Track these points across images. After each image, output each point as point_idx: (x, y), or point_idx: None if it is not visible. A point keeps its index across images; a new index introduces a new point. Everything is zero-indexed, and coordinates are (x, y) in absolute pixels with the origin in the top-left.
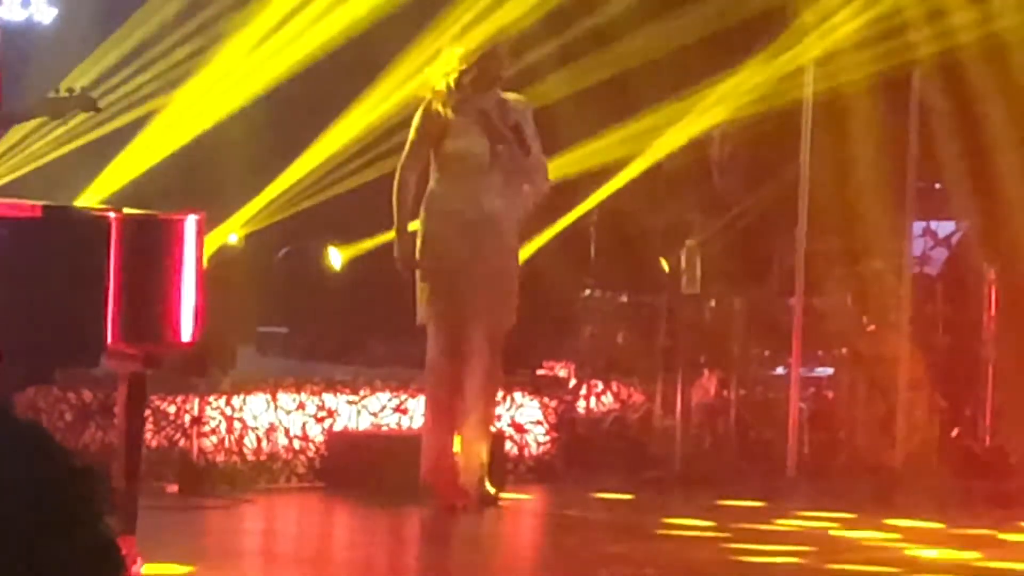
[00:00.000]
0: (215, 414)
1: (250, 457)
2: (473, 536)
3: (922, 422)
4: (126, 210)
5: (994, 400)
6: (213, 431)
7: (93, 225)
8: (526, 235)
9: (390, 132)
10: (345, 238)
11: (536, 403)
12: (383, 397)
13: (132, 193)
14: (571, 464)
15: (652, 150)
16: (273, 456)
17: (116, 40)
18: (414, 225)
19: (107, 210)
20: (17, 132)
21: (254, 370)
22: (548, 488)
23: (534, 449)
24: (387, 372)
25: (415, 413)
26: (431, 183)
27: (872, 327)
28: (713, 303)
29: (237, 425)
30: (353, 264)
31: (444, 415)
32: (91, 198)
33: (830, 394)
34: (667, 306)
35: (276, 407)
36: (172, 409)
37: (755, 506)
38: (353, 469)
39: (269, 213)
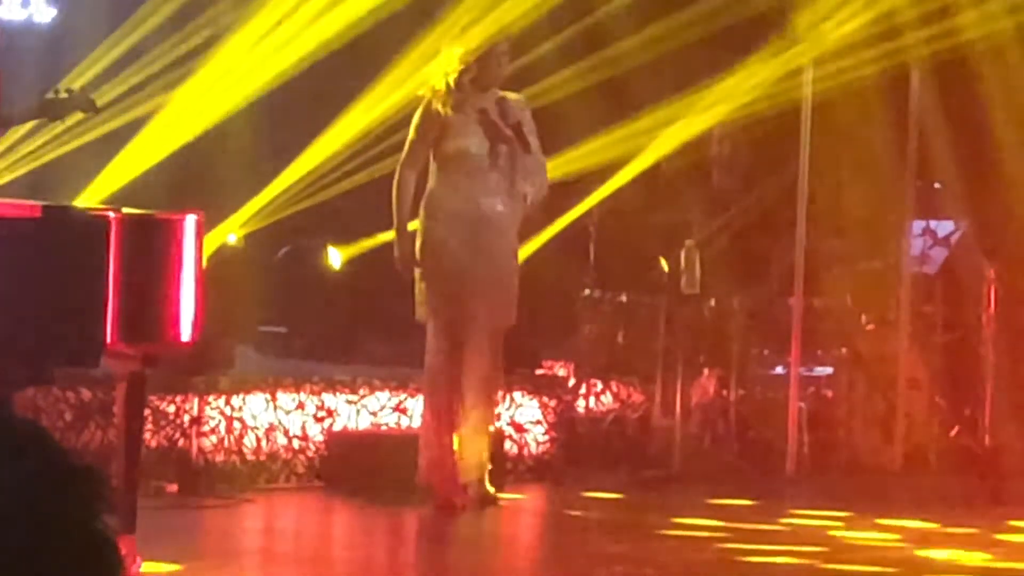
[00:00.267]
0: (214, 414)
1: (249, 457)
2: (472, 535)
3: (921, 421)
4: (125, 210)
5: (993, 399)
6: (213, 431)
7: (92, 225)
8: (525, 235)
9: (389, 132)
10: (344, 238)
11: (535, 402)
12: (382, 397)
13: (131, 193)
14: (570, 463)
15: (651, 150)
16: (272, 456)
17: (115, 40)
18: (413, 225)
19: (106, 210)
20: (16, 132)
21: (253, 370)
22: (547, 487)
23: (533, 448)
24: (386, 372)
25: (414, 413)
26: (431, 182)
27: (871, 326)
28: (712, 303)
29: (236, 425)
30: (352, 264)
31: (443, 415)
32: (90, 198)
33: (829, 393)
34: (666, 306)
35: (275, 407)
36: (171, 409)
37: (754, 505)
38: (352, 469)
39: (268, 213)
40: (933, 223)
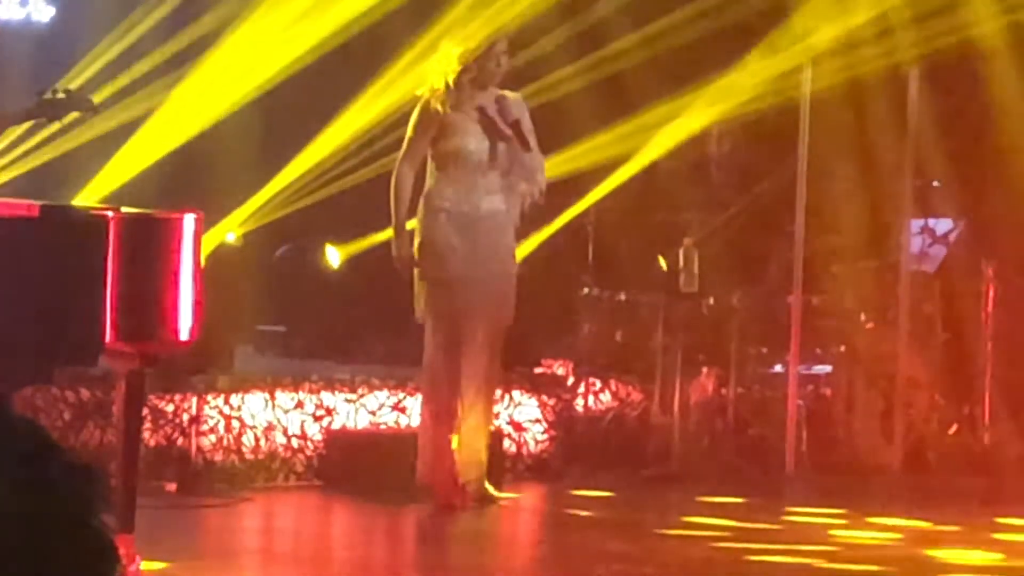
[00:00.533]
0: (213, 413)
1: (248, 456)
2: (471, 534)
3: (920, 419)
4: (124, 209)
5: (992, 397)
6: (211, 430)
7: (91, 224)
8: (522, 233)
9: (388, 130)
10: (343, 236)
11: (534, 401)
12: (381, 395)
13: (130, 192)
14: (569, 462)
15: (649, 148)
16: (271, 455)
17: (114, 39)
18: (412, 223)
19: (105, 209)
20: (14, 132)
21: (252, 369)
22: (546, 486)
23: (532, 447)
24: (385, 370)
25: (413, 412)
26: (429, 181)
27: (870, 325)
28: (711, 301)
29: (235, 424)
30: (351, 262)
31: (442, 414)
32: (89, 197)
33: (828, 392)
34: (665, 304)
35: (274, 406)
36: (170, 408)
37: (753, 504)
38: (351, 468)
39: (267, 211)
40: (932, 221)
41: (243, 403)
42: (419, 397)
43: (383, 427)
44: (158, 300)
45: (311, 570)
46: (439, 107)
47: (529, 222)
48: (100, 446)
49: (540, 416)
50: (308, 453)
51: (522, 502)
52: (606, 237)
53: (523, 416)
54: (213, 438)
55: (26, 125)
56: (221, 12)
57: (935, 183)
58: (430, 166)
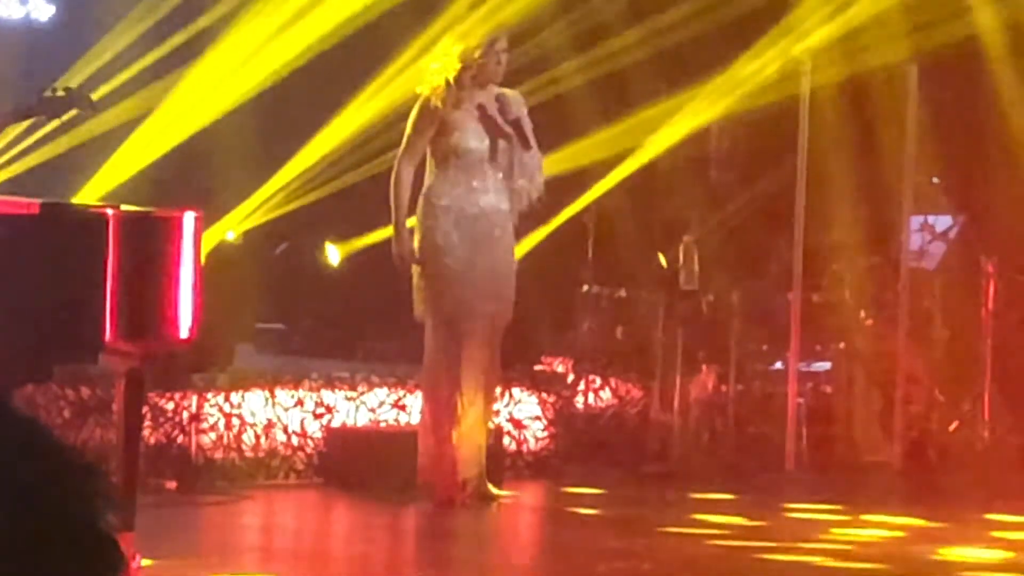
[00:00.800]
0: (213, 411)
1: (248, 453)
2: (471, 532)
3: (920, 416)
4: (124, 207)
5: (992, 394)
6: (212, 428)
7: (91, 222)
8: (522, 230)
9: (387, 128)
10: (343, 234)
11: (534, 399)
12: (381, 393)
13: (130, 190)
14: (569, 460)
15: (649, 145)
16: (271, 452)
17: (113, 37)
18: (411, 221)
19: (105, 207)
20: (14, 130)
21: (252, 367)
22: (546, 483)
23: (532, 445)
24: (385, 368)
25: (413, 409)
26: (429, 179)
27: (870, 322)
28: (711, 298)
29: (235, 422)
30: (351, 260)
31: (442, 411)
32: (89, 195)
33: (828, 389)
34: (665, 301)
35: (274, 403)
36: (170, 406)
37: (753, 501)
38: (351, 465)
39: (267, 210)
40: (931, 218)
41: (243, 401)
42: (419, 395)
43: (383, 425)
44: (158, 298)
45: (311, 567)
46: (439, 105)
47: (529, 219)
48: (100, 444)
49: (540, 413)
50: (308, 451)
51: (522, 499)
52: (606, 234)
53: (523, 413)
54: (213, 436)
55: (26, 123)
56: (221, 10)
57: (935, 180)
58: (430, 163)
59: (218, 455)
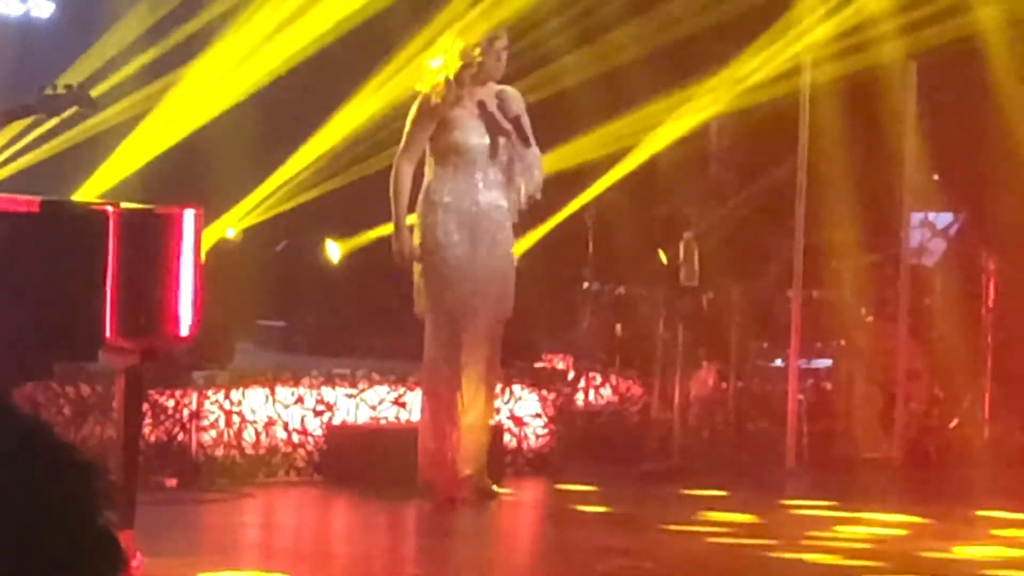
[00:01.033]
0: (214, 408)
1: (249, 451)
2: (472, 529)
3: (920, 413)
4: (124, 204)
5: (992, 391)
6: (212, 425)
7: (91, 219)
8: (522, 227)
9: (388, 125)
10: (343, 231)
11: (534, 396)
12: (382, 390)
13: (130, 187)
14: (569, 457)
15: (649, 142)
16: (272, 450)
17: (113, 35)
18: (412, 218)
19: (105, 204)
20: (14, 128)
21: (252, 364)
22: (546, 481)
23: (532, 442)
24: (386, 365)
25: (414, 406)
26: (428, 176)
27: (870, 319)
28: (711, 295)
29: (236, 419)
30: (351, 257)
31: (443, 408)
32: (89, 192)
33: (828, 386)
34: (665, 298)
35: (275, 401)
36: (171, 403)
37: (753, 498)
38: (352, 463)
39: (267, 207)
40: (931, 215)
41: (243, 398)
42: (419, 392)
43: (383, 422)
44: (158, 296)
45: (311, 565)
46: (439, 102)
47: (529, 216)
48: (100, 442)
49: (540, 411)
50: (308, 448)
51: (522, 497)
52: (606, 231)
53: (523, 411)
54: (213, 433)
55: (26, 121)
56: (220, 7)
57: (935, 177)
58: (429, 161)
59: (218, 452)
